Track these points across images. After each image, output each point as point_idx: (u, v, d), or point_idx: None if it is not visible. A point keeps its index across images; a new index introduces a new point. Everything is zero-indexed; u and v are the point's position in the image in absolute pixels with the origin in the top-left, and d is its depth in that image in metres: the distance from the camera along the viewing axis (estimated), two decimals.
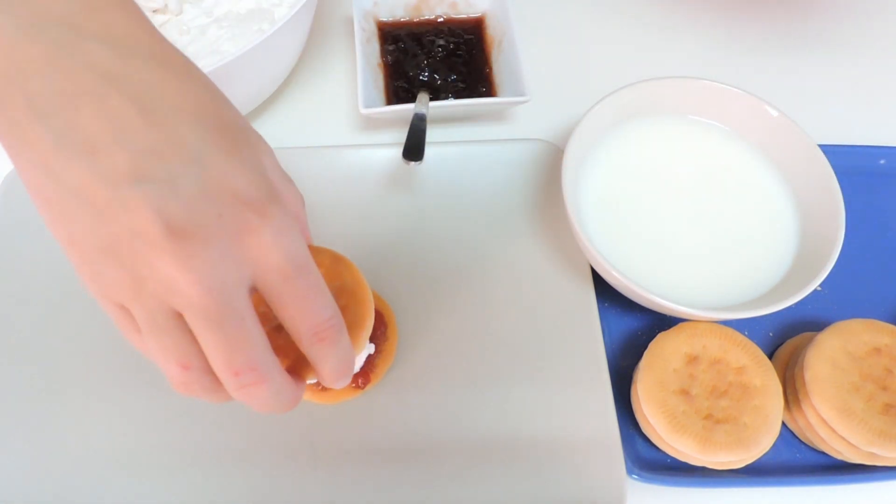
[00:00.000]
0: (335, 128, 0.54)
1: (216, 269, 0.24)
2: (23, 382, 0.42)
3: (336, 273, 0.36)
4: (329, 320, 0.27)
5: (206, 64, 0.47)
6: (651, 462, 0.41)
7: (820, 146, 0.44)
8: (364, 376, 0.40)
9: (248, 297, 0.25)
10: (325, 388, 0.40)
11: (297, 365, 0.30)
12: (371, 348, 0.40)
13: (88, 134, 0.24)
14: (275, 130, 0.54)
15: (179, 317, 0.25)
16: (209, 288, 0.24)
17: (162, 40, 0.27)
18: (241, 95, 0.49)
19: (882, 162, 0.53)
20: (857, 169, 0.51)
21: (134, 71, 0.25)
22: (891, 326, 0.41)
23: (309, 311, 0.26)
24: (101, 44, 0.25)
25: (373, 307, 0.38)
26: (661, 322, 0.46)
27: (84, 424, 0.41)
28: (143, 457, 0.40)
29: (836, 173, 0.43)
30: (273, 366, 0.27)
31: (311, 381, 0.34)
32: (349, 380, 0.30)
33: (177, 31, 0.49)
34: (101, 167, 0.23)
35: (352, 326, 0.36)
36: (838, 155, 0.46)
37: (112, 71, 0.24)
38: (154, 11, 0.50)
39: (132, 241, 0.23)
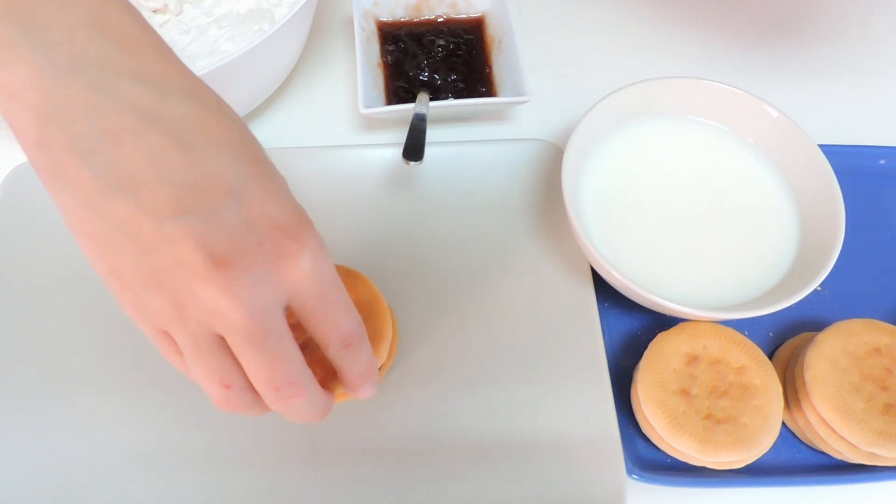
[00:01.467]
0: (335, 128, 0.54)
1: (257, 294, 0.25)
2: (24, 382, 0.42)
3: (352, 287, 0.38)
4: (355, 329, 0.30)
5: (206, 64, 0.47)
6: (651, 462, 0.41)
7: (820, 146, 0.44)
8: None
9: (283, 317, 0.27)
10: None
11: (324, 380, 0.33)
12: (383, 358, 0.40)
13: (130, 170, 0.25)
14: (275, 130, 0.54)
15: (220, 339, 0.26)
16: (251, 311, 0.25)
17: (194, 77, 0.28)
18: (241, 95, 0.49)
19: (882, 162, 0.53)
20: (857, 169, 0.51)
21: (170, 107, 0.26)
22: (891, 326, 0.41)
23: (338, 324, 0.29)
24: (138, 82, 0.26)
25: (389, 319, 0.39)
26: (661, 322, 0.46)
27: (84, 424, 0.41)
28: (143, 457, 0.40)
29: (836, 173, 0.43)
30: (309, 379, 0.29)
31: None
32: (374, 388, 0.33)
33: (177, 31, 0.49)
34: (145, 202, 0.25)
35: (372, 338, 0.38)
36: (838, 155, 0.46)
37: (150, 109, 0.25)
38: (154, 11, 0.50)
39: (176, 271, 0.25)
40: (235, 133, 0.27)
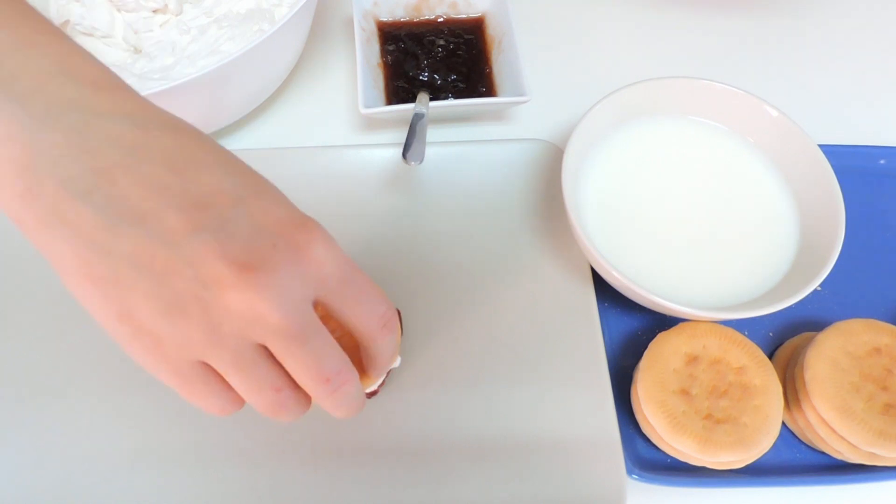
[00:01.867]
0: (335, 128, 0.54)
1: (287, 292, 0.26)
2: (23, 382, 0.42)
3: None
4: (389, 310, 0.30)
5: (206, 64, 0.47)
6: (651, 462, 0.41)
7: (820, 146, 0.44)
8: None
9: (314, 310, 0.27)
10: None
11: None
12: (398, 361, 0.40)
13: (132, 203, 0.25)
14: (275, 130, 0.54)
15: (261, 348, 0.27)
16: (286, 311, 0.25)
17: (165, 111, 0.28)
18: (241, 95, 0.49)
19: (882, 162, 0.53)
20: (857, 169, 0.51)
21: (153, 139, 0.26)
22: (891, 326, 0.41)
23: (371, 305, 0.29)
24: (116, 121, 0.26)
25: (398, 321, 0.39)
26: (661, 322, 0.46)
27: (84, 424, 0.41)
28: (143, 457, 0.40)
29: (836, 173, 0.43)
30: (352, 365, 0.29)
31: None
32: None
33: (177, 31, 0.49)
34: (154, 230, 0.24)
35: None
36: (838, 155, 0.46)
37: (134, 143, 0.25)
38: (154, 11, 0.50)
39: (202, 291, 0.25)
40: (220, 153, 0.27)
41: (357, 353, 0.34)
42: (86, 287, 0.25)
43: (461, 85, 0.53)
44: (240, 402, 0.29)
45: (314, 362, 0.27)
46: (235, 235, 0.25)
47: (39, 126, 0.25)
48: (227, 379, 0.27)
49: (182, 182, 0.25)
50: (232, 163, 0.27)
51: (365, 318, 0.29)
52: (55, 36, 0.27)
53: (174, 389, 0.27)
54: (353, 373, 0.29)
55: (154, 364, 0.26)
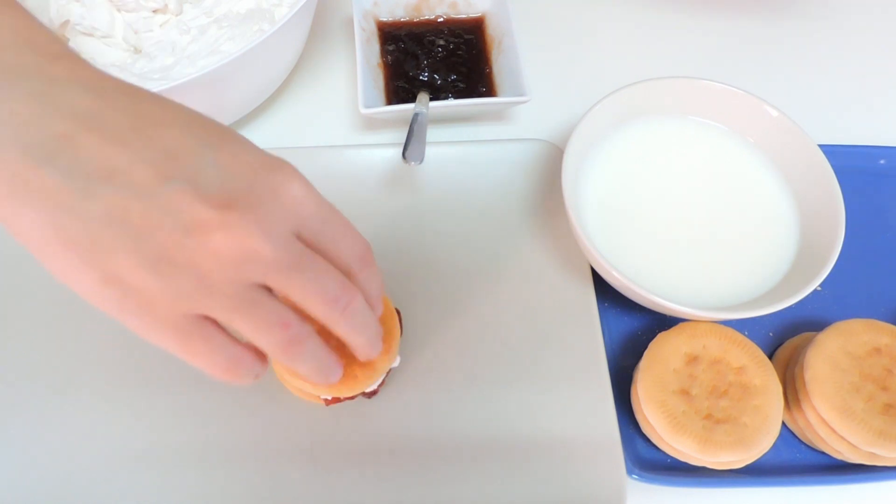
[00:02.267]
0: (335, 128, 0.54)
1: (273, 226, 0.26)
2: (23, 382, 0.42)
3: None
4: (366, 246, 0.31)
5: (206, 64, 0.47)
6: (651, 462, 0.41)
7: (820, 146, 0.44)
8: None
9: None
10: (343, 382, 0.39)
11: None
12: (397, 361, 0.40)
13: (98, 162, 0.24)
14: (275, 130, 0.54)
15: (258, 286, 0.26)
16: (277, 243, 0.25)
17: (122, 80, 0.27)
18: (241, 95, 0.49)
19: (882, 162, 0.53)
20: (857, 169, 0.51)
21: (113, 103, 0.26)
22: (891, 326, 0.41)
23: (351, 243, 0.30)
24: (74, 87, 0.25)
25: (397, 319, 0.39)
26: (661, 322, 0.46)
27: (84, 424, 0.41)
28: (143, 456, 0.40)
29: (836, 173, 0.43)
30: (349, 282, 0.29)
31: (327, 396, 0.39)
32: (381, 310, 0.33)
33: (177, 31, 0.49)
34: (125, 185, 0.24)
35: (385, 337, 0.38)
36: (838, 155, 0.46)
37: (93, 109, 0.25)
38: (154, 11, 0.50)
39: (186, 238, 0.24)
40: (181, 111, 0.27)
41: (354, 357, 0.34)
42: (62, 256, 0.24)
43: (461, 85, 0.53)
44: (249, 359, 0.28)
45: (318, 286, 0.27)
46: (209, 179, 0.25)
47: None
48: (231, 325, 0.26)
49: (146, 138, 0.25)
50: (195, 118, 0.27)
51: (344, 254, 0.29)
52: (12, 8, 0.27)
53: (174, 353, 0.26)
54: (356, 290, 0.29)
55: (149, 326, 0.25)
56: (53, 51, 0.26)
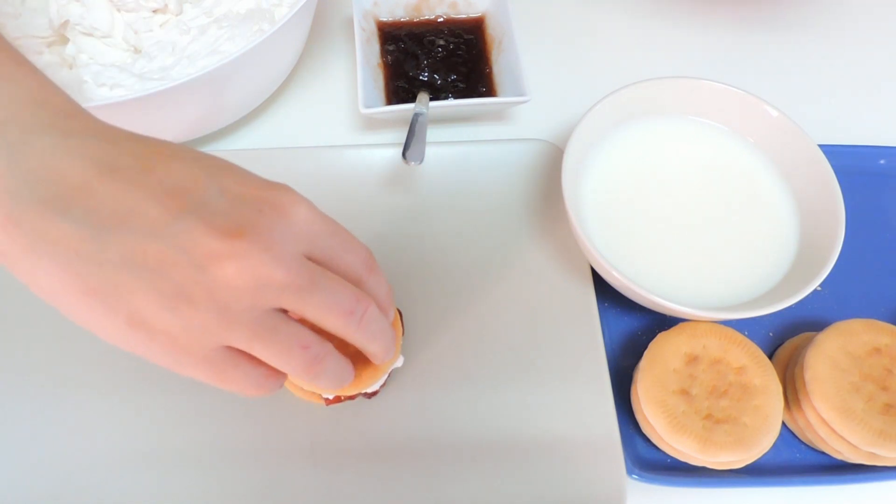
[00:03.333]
0: (335, 128, 0.54)
1: (284, 249, 0.26)
2: (23, 382, 0.42)
3: None
4: (370, 254, 0.32)
5: (206, 64, 0.47)
6: (651, 462, 0.41)
7: (820, 146, 0.44)
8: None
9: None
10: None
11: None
12: (400, 361, 0.40)
13: (110, 208, 0.25)
14: (275, 130, 0.54)
15: (275, 312, 0.27)
16: (288, 265, 0.26)
17: (130, 131, 0.28)
18: (241, 95, 0.49)
19: (882, 162, 0.53)
20: (857, 169, 0.51)
21: (122, 149, 0.26)
22: (891, 326, 0.41)
23: (357, 253, 0.31)
24: (86, 139, 0.26)
25: (398, 319, 0.39)
26: (661, 322, 0.46)
27: (84, 424, 0.41)
28: (143, 457, 0.40)
29: (836, 173, 0.43)
30: (362, 292, 0.30)
31: (328, 395, 0.39)
32: (394, 314, 0.34)
33: (177, 31, 0.49)
34: (138, 227, 0.25)
35: None
36: (838, 155, 0.46)
37: (105, 156, 0.26)
38: (154, 11, 0.50)
39: (199, 276, 0.25)
40: (185, 150, 0.28)
41: (357, 357, 0.34)
42: (85, 304, 0.25)
43: (461, 85, 0.53)
44: (275, 377, 0.29)
45: (333, 301, 0.28)
46: (217, 210, 0.26)
47: (15, 152, 0.25)
48: (253, 353, 0.27)
49: (155, 177, 0.26)
50: (197, 154, 0.28)
51: (353, 265, 0.30)
52: (28, 68, 0.28)
53: (207, 382, 0.27)
54: (370, 300, 0.30)
55: (179, 362, 0.26)
56: (68, 109, 0.27)
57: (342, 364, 0.31)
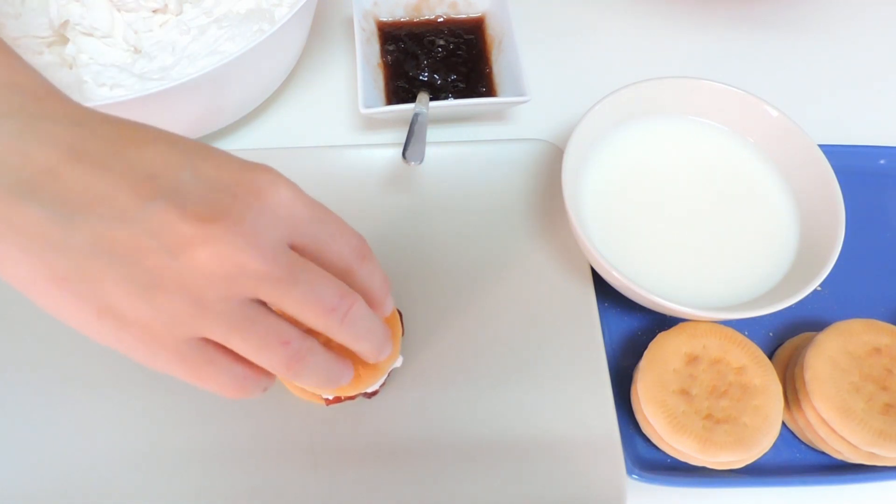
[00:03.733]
0: (335, 128, 0.54)
1: (261, 237, 0.25)
2: (22, 382, 0.42)
3: None
4: (363, 242, 0.30)
5: (206, 64, 0.47)
6: (651, 462, 0.41)
7: (820, 146, 0.44)
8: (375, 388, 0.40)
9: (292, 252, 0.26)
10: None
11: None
12: (400, 361, 0.40)
13: (78, 193, 0.24)
14: (275, 130, 0.54)
15: (254, 303, 0.25)
16: (266, 253, 0.25)
17: (104, 112, 0.27)
18: (241, 95, 0.49)
19: (882, 162, 0.53)
20: (857, 169, 0.51)
21: (92, 132, 0.25)
22: (891, 326, 0.41)
23: (348, 240, 0.29)
24: (54, 121, 0.25)
25: (398, 318, 0.39)
26: (661, 322, 0.46)
27: (84, 424, 0.41)
28: (143, 456, 0.40)
29: (836, 173, 0.43)
30: (349, 288, 0.28)
31: (327, 395, 0.39)
32: (392, 306, 0.32)
33: (177, 31, 0.49)
34: (107, 213, 0.23)
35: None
36: (838, 155, 0.46)
37: (74, 140, 0.25)
38: (154, 11, 0.50)
39: (171, 262, 0.24)
40: (160, 133, 0.27)
41: (357, 356, 0.34)
42: (54, 292, 0.24)
43: (461, 85, 0.53)
44: (256, 376, 0.28)
45: (313, 296, 0.26)
46: (192, 194, 0.24)
47: None
48: (231, 347, 0.26)
49: (127, 161, 0.25)
50: (174, 138, 0.27)
51: (342, 253, 0.28)
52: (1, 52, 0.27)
53: (182, 379, 0.26)
54: (356, 296, 0.28)
55: (151, 355, 0.25)
56: (38, 92, 0.26)
57: (330, 362, 0.29)
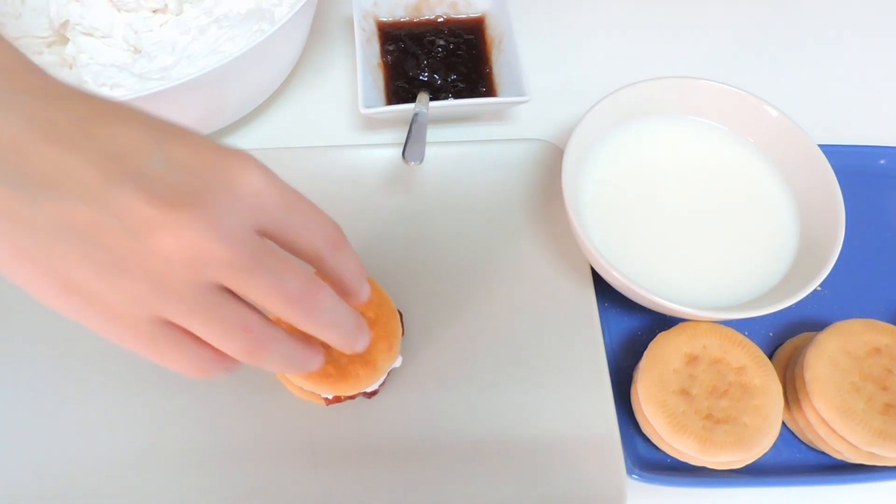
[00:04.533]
0: (335, 128, 0.54)
1: (227, 223, 0.24)
2: (22, 382, 0.42)
3: None
4: (337, 229, 0.29)
5: (206, 64, 0.47)
6: (651, 462, 0.41)
7: (820, 146, 0.44)
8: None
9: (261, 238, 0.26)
10: (341, 378, 0.38)
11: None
12: (399, 361, 0.40)
13: (44, 170, 0.23)
14: (275, 130, 0.54)
15: (218, 289, 0.25)
16: (230, 242, 0.24)
17: (74, 86, 0.27)
18: (241, 95, 0.49)
19: (882, 162, 0.53)
20: (857, 169, 0.51)
21: (59, 107, 0.25)
22: (891, 326, 0.41)
23: (320, 227, 0.28)
24: (18, 95, 0.25)
25: (398, 319, 0.39)
26: (661, 322, 0.46)
27: (84, 424, 0.41)
28: (143, 456, 0.40)
29: (836, 173, 0.43)
30: (318, 278, 0.27)
31: (327, 395, 0.38)
32: (369, 288, 0.31)
33: (177, 31, 0.49)
34: (72, 191, 0.23)
35: (387, 336, 0.38)
36: (838, 155, 0.46)
37: (40, 113, 0.24)
38: (154, 11, 0.50)
39: (133, 243, 0.23)
40: (132, 111, 0.26)
41: (356, 356, 0.34)
42: (21, 268, 0.24)
43: (461, 85, 0.53)
44: (218, 359, 0.27)
45: (277, 285, 0.26)
46: (158, 178, 0.24)
47: None
48: (192, 331, 0.25)
49: (95, 138, 0.24)
50: (147, 117, 0.26)
51: (312, 241, 0.28)
52: None
53: (144, 356, 0.26)
54: (324, 286, 0.27)
55: (113, 331, 0.25)
56: (8, 65, 0.26)
57: (293, 350, 0.28)
